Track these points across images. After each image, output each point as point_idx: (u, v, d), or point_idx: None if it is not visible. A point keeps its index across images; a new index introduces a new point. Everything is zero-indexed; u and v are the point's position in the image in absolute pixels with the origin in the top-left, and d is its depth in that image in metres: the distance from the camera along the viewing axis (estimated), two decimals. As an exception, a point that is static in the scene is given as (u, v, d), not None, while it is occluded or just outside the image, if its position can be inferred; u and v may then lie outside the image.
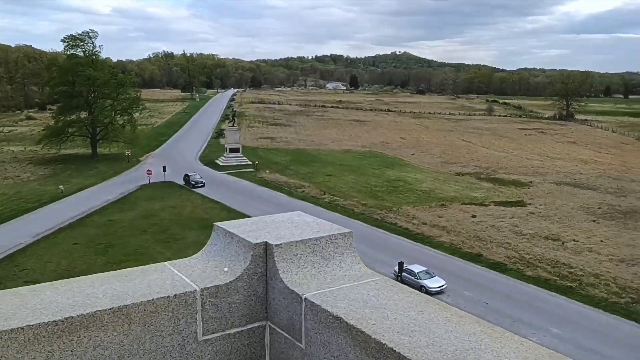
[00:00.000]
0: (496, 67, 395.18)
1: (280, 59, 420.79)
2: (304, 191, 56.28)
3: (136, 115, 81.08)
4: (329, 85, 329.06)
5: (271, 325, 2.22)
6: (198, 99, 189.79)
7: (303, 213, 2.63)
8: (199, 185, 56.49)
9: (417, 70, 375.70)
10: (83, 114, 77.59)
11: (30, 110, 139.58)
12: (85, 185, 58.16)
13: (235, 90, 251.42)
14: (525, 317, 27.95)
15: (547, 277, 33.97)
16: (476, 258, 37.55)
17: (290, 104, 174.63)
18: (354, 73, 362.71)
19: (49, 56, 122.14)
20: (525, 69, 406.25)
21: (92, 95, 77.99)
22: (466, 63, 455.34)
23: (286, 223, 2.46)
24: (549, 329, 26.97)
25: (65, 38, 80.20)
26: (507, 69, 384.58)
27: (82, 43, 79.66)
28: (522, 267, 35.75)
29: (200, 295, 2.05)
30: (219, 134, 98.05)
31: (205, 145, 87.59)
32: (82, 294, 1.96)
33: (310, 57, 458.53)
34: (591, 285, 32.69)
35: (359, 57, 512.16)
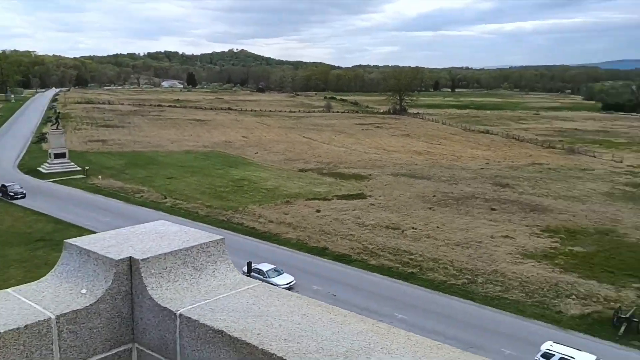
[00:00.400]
0: (333, 64, 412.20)
1: (109, 56, 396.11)
2: (142, 196, 52.99)
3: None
4: (165, 84, 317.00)
5: (139, 347, 2.04)
6: (14, 100, 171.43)
7: (167, 222, 2.43)
8: (19, 196, 50.51)
9: (255, 68, 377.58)
10: None
11: None
12: None
13: (58, 89, 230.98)
14: (372, 306, 28.70)
15: (390, 265, 35.43)
16: (322, 252, 38.17)
17: (122, 104, 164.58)
18: (191, 71, 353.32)
19: None
20: (360, 66, 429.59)
21: None
22: (304, 61, 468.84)
23: (150, 234, 2.27)
24: (394, 315, 27.95)
25: None
26: (344, 66, 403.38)
27: None
28: (366, 257, 36.94)
29: (56, 323, 1.83)
30: (40, 138, 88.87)
31: (24, 152, 78.96)
32: None
33: (142, 54, 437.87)
34: (431, 269, 34.72)
35: (195, 54, 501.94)
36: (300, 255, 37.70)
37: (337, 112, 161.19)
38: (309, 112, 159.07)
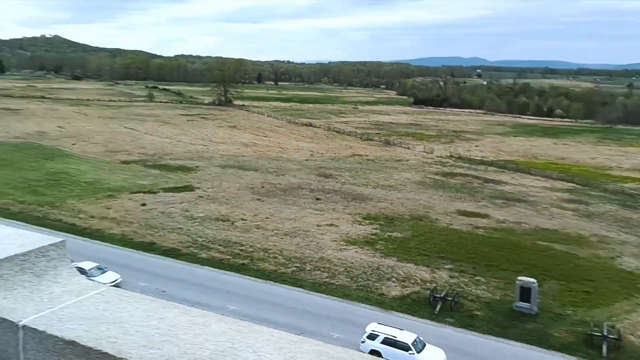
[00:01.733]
0: (154, 53, 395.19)
1: None
2: None
3: None
4: None
5: None
6: None
7: None
8: None
9: (71, 55, 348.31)
10: None
11: None
12: None
13: None
14: (203, 299, 28.29)
15: (220, 258, 35.23)
16: (149, 247, 36.80)
17: None
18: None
19: None
20: (182, 55, 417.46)
21: None
22: (123, 48, 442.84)
23: None
24: (226, 307, 27.87)
25: None
26: (165, 55, 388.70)
27: None
28: (196, 251, 36.33)
29: None
30: None
31: None
32: None
33: None
34: (261, 259, 35.22)
35: (3, 39, 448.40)
36: (126, 251, 35.83)
37: (160, 102, 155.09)
38: (130, 101, 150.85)
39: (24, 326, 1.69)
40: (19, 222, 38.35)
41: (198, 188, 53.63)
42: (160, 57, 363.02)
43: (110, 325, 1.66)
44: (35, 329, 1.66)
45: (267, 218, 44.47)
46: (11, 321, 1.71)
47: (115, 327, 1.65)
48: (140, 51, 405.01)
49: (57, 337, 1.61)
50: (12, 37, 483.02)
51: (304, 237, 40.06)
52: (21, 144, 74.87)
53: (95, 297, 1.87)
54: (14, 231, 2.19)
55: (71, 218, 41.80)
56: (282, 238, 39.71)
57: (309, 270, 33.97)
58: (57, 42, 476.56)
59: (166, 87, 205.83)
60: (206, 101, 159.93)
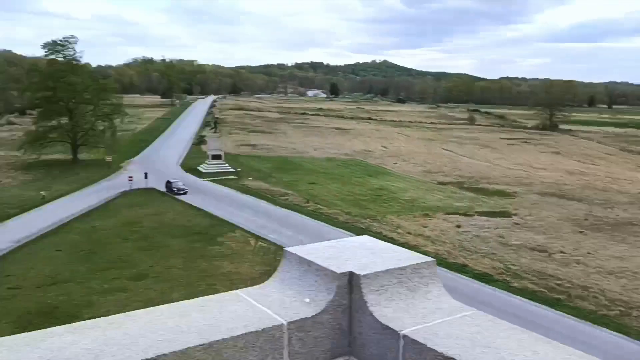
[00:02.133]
0: (477, 75, 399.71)
1: (260, 66, 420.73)
2: (287, 199, 55.87)
3: (117, 121, 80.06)
4: (309, 93, 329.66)
5: None
6: (178, 105, 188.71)
7: (373, 238, 2.46)
8: (181, 192, 55.74)
9: (397, 78, 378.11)
10: (63, 120, 76.47)
11: (10, 115, 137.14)
12: (67, 190, 57.07)
13: (216, 96, 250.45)
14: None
15: (534, 289, 34.04)
16: (461, 269, 37.46)
17: (270, 111, 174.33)
18: (334, 81, 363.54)
19: (29, 61, 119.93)
20: (507, 77, 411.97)
21: (73, 100, 76.99)
22: (446, 72, 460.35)
23: (361, 250, 2.26)
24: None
25: (46, 44, 79.49)
26: (488, 78, 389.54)
27: (62, 49, 79.02)
28: (508, 279, 35.80)
29: (287, 329, 1.88)
30: (200, 140, 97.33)
31: (186, 152, 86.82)
32: (165, 327, 1.77)
33: (289, 64, 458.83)
34: (580, 297, 32.83)
35: (338, 64, 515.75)
36: (439, 270, 37.46)
37: (481, 125, 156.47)
38: (450, 124, 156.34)
39: (404, 336, 1.78)
40: (345, 231, 43.43)
41: (515, 214, 52.61)
42: (484, 79, 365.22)
43: (486, 349, 1.66)
44: (415, 340, 1.74)
45: (589, 253, 41.06)
46: (393, 329, 1.82)
47: (491, 353, 1.64)
48: (464, 74, 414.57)
49: (436, 351, 1.65)
50: (346, 63, 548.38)
51: (632, 278, 35.74)
52: (349, 161, 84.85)
53: (466, 319, 1.89)
54: (387, 246, 2.34)
55: (390, 232, 45.16)
56: (605, 277, 36.20)
57: (635, 316, 30.29)
58: (385, 67, 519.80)
59: (488, 110, 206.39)
60: (529, 125, 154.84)
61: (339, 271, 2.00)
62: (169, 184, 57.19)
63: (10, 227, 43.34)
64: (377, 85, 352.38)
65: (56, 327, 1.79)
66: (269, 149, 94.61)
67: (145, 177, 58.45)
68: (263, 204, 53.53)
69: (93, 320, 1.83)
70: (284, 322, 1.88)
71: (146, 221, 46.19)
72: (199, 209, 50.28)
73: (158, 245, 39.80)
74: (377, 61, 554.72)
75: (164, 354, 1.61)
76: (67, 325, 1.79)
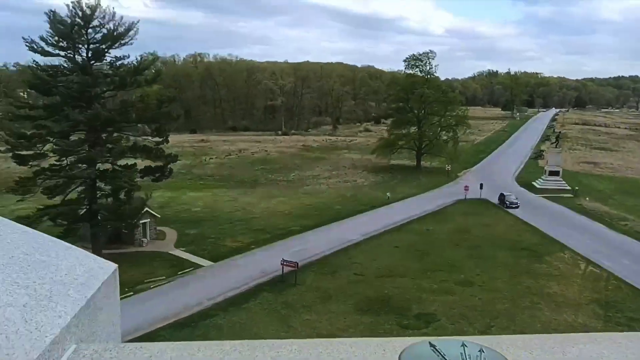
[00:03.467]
0: None
1: (610, 78, 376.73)
2: (627, 224, 50.51)
3: (460, 132, 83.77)
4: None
5: None
6: (518, 118, 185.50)
7: None
8: (513, 206, 55.66)
9: None
10: (412, 129, 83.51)
11: (367, 123, 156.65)
12: (408, 194, 62.92)
13: (557, 110, 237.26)
14: None
15: None
16: None
17: (618, 127, 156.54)
18: None
19: (388, 75, 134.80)
20: None
21: (423, 111, 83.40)
22: None
23: None
24: None
25: (407, 58, 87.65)
26: None
27: (421, 63, 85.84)
28: None
29: None
30: (537, 155, 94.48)
31: (522, 166, 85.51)
32: None
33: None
34: None
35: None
36: None
37: None
38: None
39: None
40: None
41: None
42: None
43: None
44: None
45: None
46: None
47: None
48: None
49: None
50: None
51: None
52: None
53: None
54: None
55: None
56: None
57: None
58: None
59: None
60: None
61: None
62: (502, 196, 57.78)
63: (360, 222, 50.06)
64: None
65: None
66: (612, 169, 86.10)
67: (481, 187, 60.23)
68: (599, 227, 49.71)
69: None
70: None
71: (476, 230, 47.85)
72: (529, 225, 49.58)
73: (486, 256, 40.93)
74: None
75: None
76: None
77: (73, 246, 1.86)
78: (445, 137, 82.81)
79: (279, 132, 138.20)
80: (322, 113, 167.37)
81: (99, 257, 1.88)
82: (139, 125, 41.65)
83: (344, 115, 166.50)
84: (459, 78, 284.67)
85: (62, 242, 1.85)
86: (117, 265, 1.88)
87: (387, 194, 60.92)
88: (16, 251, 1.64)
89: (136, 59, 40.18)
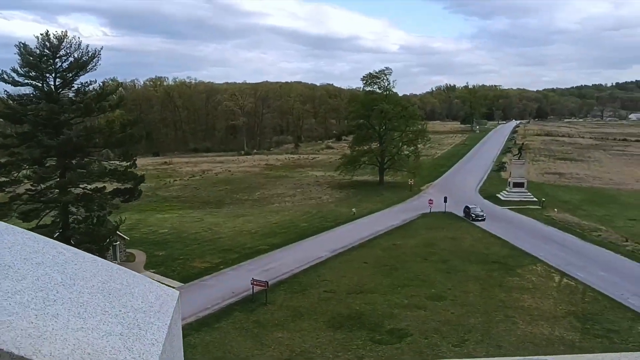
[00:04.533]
0: None
1: (572, 88, 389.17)
2: (600, 235, 50.83)
3: (420, 146, 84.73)
4: (633, 116, 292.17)
5: None
6: (477, 131, 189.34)
7: None
8: (479, 218, 55.96)
9: None
10: (374, 145, 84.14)
11: (329, 141, 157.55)
12: (373, 209, 62.81)
13: (518, 121, 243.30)
14: None
15: None
16: None
17: (582, 137, 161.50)
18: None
19: (347, 92, 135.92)
20: None
21: (384, 127, 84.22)
22: None
23: None
24: None
25: (364, 76, 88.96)
26: None
27: (378, 80, 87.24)
28: None
29: None
30: (499, 167, 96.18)
31: (485, 178, 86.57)
32: None
33: (608, 85, 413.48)
34: None
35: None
36: None
37: None
38: None
39: None
40: None
41: None
42: None
43: None
44: None
45: None
46: None
47: None
48: None
49: None
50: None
51: None
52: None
53: None
54: None
55: None
56: None
57: None
58: None
59: None
60: None
61: None
62: (467, 209, 58.12)
63: (326, 238, 49.76)
64: None
65: None
66: (579, 179, 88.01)
67: (445, 201, 60.50)
68: (570, 238, 49.90)
69: None
70: None
71: (444, 244, 47.81)
72: (497, 237, 49.67)
73: (455, 269, 40.76)
74: None
75: None
76: None
77: (136, 272, 1.86)
78: (406, 152, 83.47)
79: (242, 152, 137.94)
80: (283, 132, 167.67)
81: (162, 284, 1.87)
82: (103, 150, 42.81)
83: (305, 133, 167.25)
84: (417, 93, 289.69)
85: (125, 268, 1.86)
86: (179, 292, 1.88)
87: (353, 209, 60.70)
88: (94, 280, 1.67)
89: (99, 85, 41.77)
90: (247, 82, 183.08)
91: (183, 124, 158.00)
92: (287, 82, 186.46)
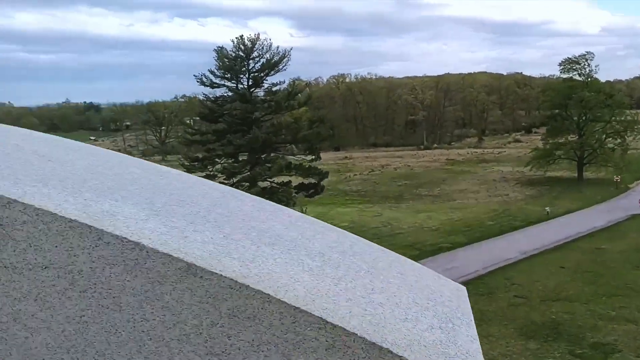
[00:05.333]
0: None
1: None
2: None
3: (629, 138, 75.14)
4: None
5: None
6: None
7: None
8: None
9: None
10: (571, 137, 76.80)
11: (517, 134, 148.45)
12: (570, 209, 57.17)
13: None
14: None
15: None
16: None
17: None
18: None
19: (538, 81, 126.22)
20: None
21: (584, 117, 76.55)
22: None
23: None
24: None
25: (562, 62, 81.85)
26: None
27: (577, 66, 79.51)
28: None
29: None
30: None
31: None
32: None
33: None
34: None
35: None
36: None
37: None
38: None
39: None
40: None
41: None
42: None
43: None
44: None
45: None
46: None
47: None
48: None
49: None
50: None
51: None
52: None
53: None
54: None
55: None
56: None
57: None
58: None
59: None
60: None
61: None
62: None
63: (516, 239, 46.11)
64: None
65: None
66: None
67: (660, 200, 52.77)
68: None
69: None
70: None
71: (660, 249, 41.41)
72: None
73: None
74: None
75: None
76: None
77: (421, 265, 1.84)
78: (611, 145, 74.46)
79: (421, 147, 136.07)
80: (465, 125, 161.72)
81: (441, 276, 1.86)
82: (288, 145, 44.18)
83: (489, 126, 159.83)
84: (623, 79, 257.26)
85: (408, 259, 1.86)
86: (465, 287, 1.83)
87: (546, 208, 55.60)
88: (392, 270, 1.68)
89: (287, 84, 43.31)
90: (427, 75, 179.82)
91: (364, 119, 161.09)
92: (470, 73, 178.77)
